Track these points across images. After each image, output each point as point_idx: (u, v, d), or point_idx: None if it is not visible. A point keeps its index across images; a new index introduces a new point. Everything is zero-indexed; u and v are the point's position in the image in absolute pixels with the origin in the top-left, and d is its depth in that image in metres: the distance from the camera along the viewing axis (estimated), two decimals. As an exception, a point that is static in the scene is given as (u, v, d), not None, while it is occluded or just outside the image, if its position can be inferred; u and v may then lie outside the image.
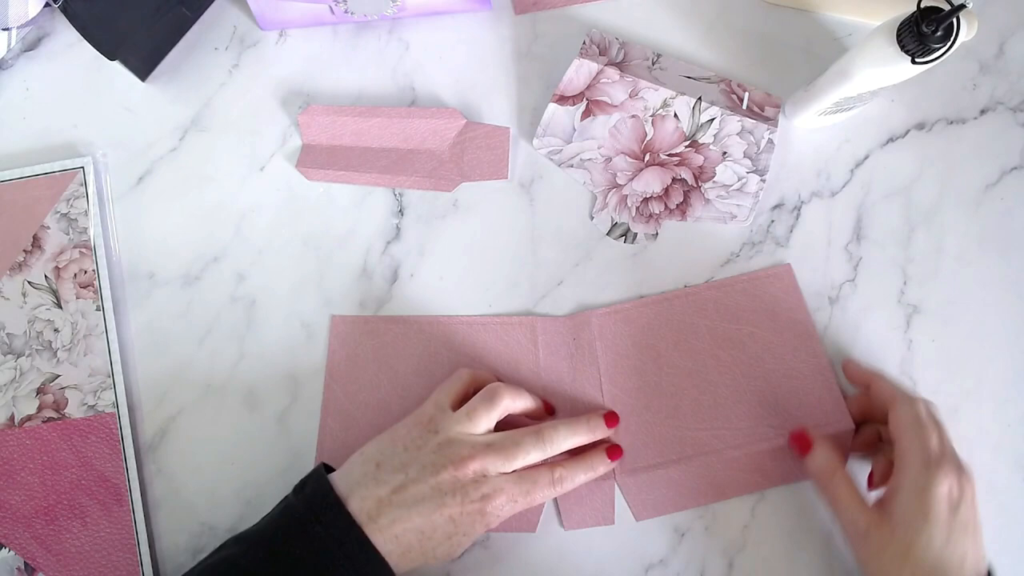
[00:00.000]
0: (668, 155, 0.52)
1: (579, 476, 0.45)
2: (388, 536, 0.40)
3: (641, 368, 0.48)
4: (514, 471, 0.43)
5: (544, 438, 0.43)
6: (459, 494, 0.41)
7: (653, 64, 0.53)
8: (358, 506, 0.40)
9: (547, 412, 0.48)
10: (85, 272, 0.51)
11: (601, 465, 0.46)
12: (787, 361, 0.49)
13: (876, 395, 0.45)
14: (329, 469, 0.43)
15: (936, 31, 0.39)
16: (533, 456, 0.43)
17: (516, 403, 0.45)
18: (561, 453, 0.45)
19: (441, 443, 0.42)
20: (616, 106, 0.52)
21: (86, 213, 0.51)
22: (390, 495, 0.40)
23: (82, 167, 0.52)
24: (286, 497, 0.42)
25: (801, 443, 0.45)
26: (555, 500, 0.48)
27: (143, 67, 0.53)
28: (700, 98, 0.51)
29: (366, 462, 0.42)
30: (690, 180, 0.52)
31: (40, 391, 0.49)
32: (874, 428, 0.47)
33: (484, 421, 0.43)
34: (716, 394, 0.48)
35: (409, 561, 0.41)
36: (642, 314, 0.50)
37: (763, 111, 0.52)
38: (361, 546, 0.39)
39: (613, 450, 0.46)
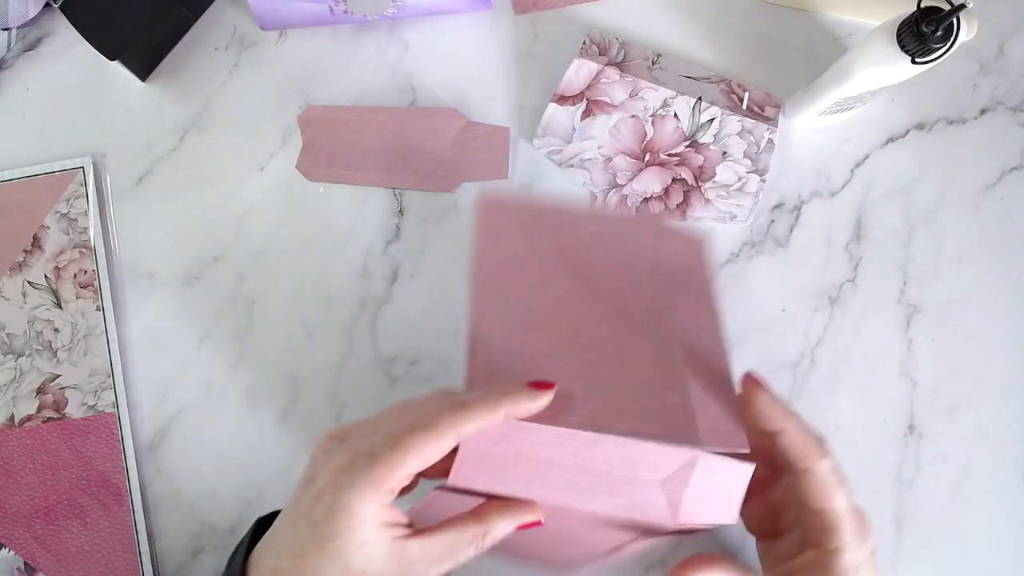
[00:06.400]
0: (668, 155, 0.52)
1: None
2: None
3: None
4: None
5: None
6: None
7: (653, 64, 0.53)
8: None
9: None
10: (85, 272, 0.51)
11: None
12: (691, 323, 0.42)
13: (786, 446, 0.37)
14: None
15: (936, 31, 0.39)
16: None
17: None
18: None
19: None
20: (616, 106, 0.52)
21: (86, 213, 0.51)
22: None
23: (82, 167, 0.52)
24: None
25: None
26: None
27: (143, 67, 0.53)
28: (700, 98, 0.51)
29: None
30: (690, 180, 0.52)
31: (40, 391, 0.49)
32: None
33: None
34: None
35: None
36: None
37: (763, 111, 0.52)
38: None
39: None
